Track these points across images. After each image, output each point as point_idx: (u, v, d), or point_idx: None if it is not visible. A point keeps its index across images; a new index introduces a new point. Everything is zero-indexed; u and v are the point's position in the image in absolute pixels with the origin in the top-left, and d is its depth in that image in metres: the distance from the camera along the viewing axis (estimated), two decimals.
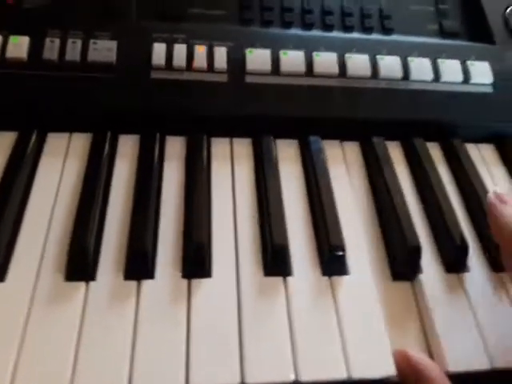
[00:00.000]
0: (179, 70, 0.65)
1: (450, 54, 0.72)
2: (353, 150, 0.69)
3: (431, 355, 0.52)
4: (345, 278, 0.55)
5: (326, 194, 0.60)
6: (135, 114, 0.65)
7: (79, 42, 0.65)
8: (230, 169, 0.64)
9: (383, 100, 0.68)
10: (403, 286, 0.56)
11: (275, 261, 0.54)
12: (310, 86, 0.68)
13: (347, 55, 0.69)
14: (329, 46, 0.70)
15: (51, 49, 0.64)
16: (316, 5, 0.75)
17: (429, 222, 0.62)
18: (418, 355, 0.49)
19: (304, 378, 0.47)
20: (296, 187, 0.63)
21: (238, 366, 0.47)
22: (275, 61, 0.67)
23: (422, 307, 0.54)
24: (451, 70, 0.70)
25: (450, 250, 0.58)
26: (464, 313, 0.54)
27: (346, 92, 0.68)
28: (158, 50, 0.66)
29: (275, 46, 0.69)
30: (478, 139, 0.72)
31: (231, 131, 0.67)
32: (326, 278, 0.55)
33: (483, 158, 0.70)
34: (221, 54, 0.67)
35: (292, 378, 0.47)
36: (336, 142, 0.69)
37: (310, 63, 0.68)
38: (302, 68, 0.68)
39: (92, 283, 0.51)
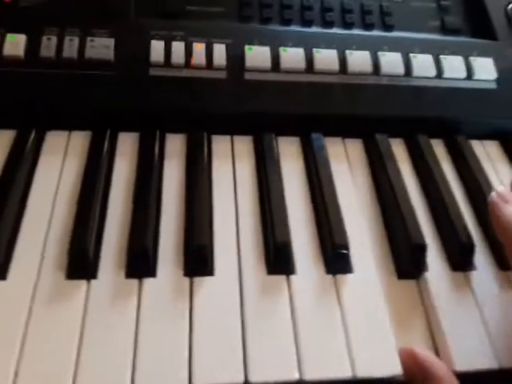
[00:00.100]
0: (178, 67, 0.65)
1: (453, 50, 0.71)
2: (355, 147, 0.68)
3: (437, 354, 0.51)
4: (349, 276, 0.54)
5: (328, 192, 0.59)
6: (134, 111, 0.64)
7: (76, 40, 0.64)
8: (231, 166, 0.63)
9: (385, 96, 0.68)
10: (408, 284, 0.55)
11: (278, 259, 0.54)
12: (311, 82, 0.67)
13: (348, 52, 0.69)
14: (329, 42, 0.69)
15: (48, 46, 0.64)
16: (316, 1, 0.74)
17: (433, 220, 0.61)
18: (425, 353, 0.48)
19: (308, 376, 0.46)
20: (298, 185, 0.62)
21: (242, 364, 0.46)
22: (275, 58, 0.67)
23: (427, 305, 0.54)
24: (454, 66, 0.70)
25: (456, 248, 0.57)
26: (470, 311, 0.53)
27: (346, 89, 0.67)
28: (157, 48, 0.65)
29: (275, 42, 0.68)
30: (482, 136, 0.71)
31: (232, 128, 0.66)
32: (330, 276, 0.54)
33: (488, 154, 0.70)
34: (220, 51, 0.66)
35: (296, 376, 0.46)
36: (338, 140, 0.68)
37: (310, 60, 0.67)
38: (302, 65, 0.67)
39: (93, 281, 0.51)
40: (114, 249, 0.53)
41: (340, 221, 0.57)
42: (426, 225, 0.60)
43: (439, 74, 0.69)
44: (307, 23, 0.73)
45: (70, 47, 0.64)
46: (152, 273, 0.52)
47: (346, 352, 0.48)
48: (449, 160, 0.68)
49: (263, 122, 0.66)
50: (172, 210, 0.58)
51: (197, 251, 0.53)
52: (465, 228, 0.57)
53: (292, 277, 0.53)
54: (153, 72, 0.64)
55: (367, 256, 0.56)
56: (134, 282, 0.51)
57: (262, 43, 0.68)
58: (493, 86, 0.70)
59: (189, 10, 0.72)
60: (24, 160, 0.59)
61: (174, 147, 0.64)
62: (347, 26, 0.74)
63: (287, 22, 0.73)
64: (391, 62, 0.69)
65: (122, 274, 0.52)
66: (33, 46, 0.63)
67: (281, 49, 0.67)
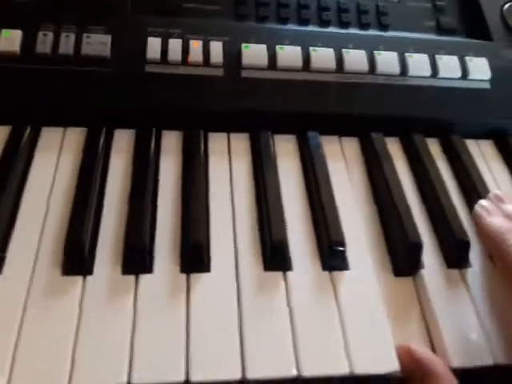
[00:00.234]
0: (175, 64, 0.65)
1: (448, 50, 0.72)
2: (351, 145, 0.68)
3: (433, 350, 0.51)
4: (345, 273, 0.54)
5: (325, 189, 0.59)
6: (130, 108, 0.64)
7: (72, 36, 0.64)
8: (228, 164, 0.63)
9: (381, 96, 0.68)
10: (405, 281, 0.55)
11: (275, 256, 0.54)
12: (307, 81, 0.67)
13: (344, 50, 0.69)
14: (326, 41, 0.69)
15: (44, 42, 0.63)
16: (312, 0, 0.74)
17: (429, 218, 0.61)
18: (422, 349, 0.48)
19: (306, 373, 0.46)
20: (295, 182, 0.62)
21: (239, 360, 0.46)
22: (272, 56, 0.67)
23: (423, 302, 0.54)
24: (449, 65, 0.70)
25: (451, 245, 0.57)
26: (466, 308, 0.53)
27: (343, 87, 0.68)
28: (153, 45, 0.65)
29: (271, 41, 0.68)
30: (476, 135, 0.71)
31: (228, 126, 0.66)
32: (327, 272, 0.54)
33: (482, 153, 0.70)
34: (216, 49, 0.66)
35: (294, 373, 0.46)
36: (335, 138, 0.68)
37: (306, 58, 0.67)
38: (298, 63, 0.67)
39: (89, 277, 0.50)
40: (110, 245, 0.53)
41: (336, 218, 0.57)
42: (421, 223, 0.60)
43: (434, 73, 0.70)
44: (304, 22, 0.73)
45: (66, 43, 0.64)
46: (148, 269, 0.52)
47: (343, 349, 0.48)
48: (444, 159, 0.68)
49: (260, 119, 0.66)
50: (168, 206, 0.57)
51: (193, 248, 0.53)
52: (460, 226, 0.57)
53: (289, 273, 0.53)
54: (149, 69, 0.64)
55: (364, 253, 0.56)
56: (131, 278, 0.51)
57: (258, 41, 0.68)
58: (487, 85, 0.71)
59: (186, 8, 0.72)
60: (19, 156, 0.58)
61: (171, 144, 0.64)
62: (344, 25, 0.74)
63: (284, 21, 0.73)
64: (387, 61, 0.69)
65: (119, 270, 0.51)
66: (28, 42, 0.63)
67: (277, 47, 0.67)
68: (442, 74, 0.70)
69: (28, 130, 0.61)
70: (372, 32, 0.74)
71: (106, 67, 0.64)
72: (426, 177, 0.63)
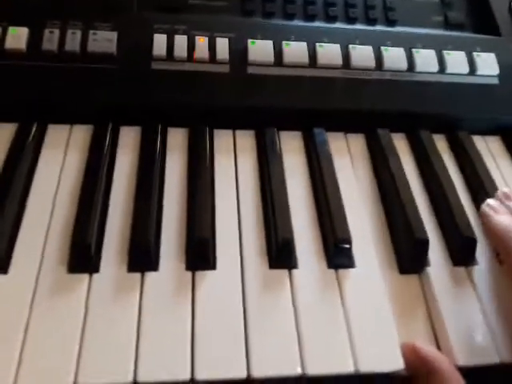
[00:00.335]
0: (180, 60, 0.65)
1: (456, 45, 0.71)
2: (358, 142, 0.68)
3: (439, 348, 0.51)
4: (351, 270, 0.54)
5: (331, 186, 0.59)
6: (136, 105, 0.64)
7: (79, 33, 0.64)
8: (234, 161, 0.63)
9: (388, 92, 0.68)
10: (410, 279, 0.55)
11: (280, 254, 0.54)
12: (314, 77, 0.67)
13: (351, 46, 0.68)
14: (332, 37, 0.69)
15: (50, 40, 0.63)
16: None
17: (435, 215, 0.61)
18: (427, 347, 0.48)
19: (311, 371, 0.46)
20: (300, 179, 0.62)
21: (244, 359, 0.46)
22: (278, 52, 0.67)
23: (429, 300, 0.54)
24: (457, 61, 0.70)
25: (458, 243, 0.57)
26: (472, 306, 0.53)
27: (349, 83, 0.67)
28: (159, 41, 0.65)
29: (278, 37, 0.68)
30: (484, 131, 0.71)
31: (234, 123, 0.66)
32: (332, 270, 0.54)
33: (490, 150, 0.69)
34: (222, 45, 0.66)
35: (299, 371, 0.46)
36: (340, 134, 0.68)
37: (313, 54, 0.67)
38: (305, 59, 0.67)
39: (95, 275, 0.51)
40: (116, 242, 0.53)
41: (342, 215, 0.56)
42: (427, 219, 0.60)
43: (442, 69, 0.69)
44: (310, 18, 0.73)
45: (73, 40, 0.64)
46: (154, 267, 0.52)
47: (348, 347, 0.48)
48: (451, 155, 0.68)
49: (266, 116, 0.66)
50: (174, 204, 0.58)
51: (198, 244, 0.53)
52: (467, 223, 0.57)
53: (294, 271, 0.53)
54: (155, 66, 0.64)
55: (369, 250, 0.56)
56: (136, 275, 0.51)
57: (264, 37, 0.68)
58: (495, 81, 0.70)
59: (192, 4, 0.71)
60: (25, 153, 0.59)
61: (176, 141, 0.64)
62: (350, 20, 0.73)
63: (290, 17, 0.73)
64: (394, 57, 0.69)
65: (124, 267, 0.51)
66: (35, 39, 0.63)
67: (284, 43, 0.67)
68: (449, 69, 0.69)
69: (34, 128, 0.61)
70: (379, 27, 0.74)
71: (112, 64, 0.64)
72: (433, 173, 0.63)
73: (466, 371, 0.48)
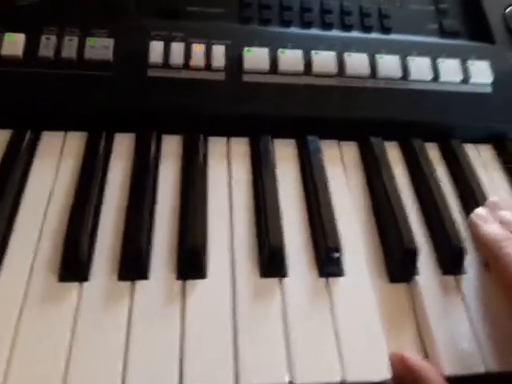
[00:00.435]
0: (176, 68, 0.65)
1: (450, 53, 0.71)
2: (351, 150, 0.68)
3: (427, 357, 0.51)
4: (341, 279, 0.54)
5: (323, 195, 0.60)
6: (131, 112, 0.65)
7: (75, 40, 0.64)
8: (227, 168, 0.63)
9: (382, 100, 0.68)
10: (400, 288, 0.56)
11: (271, 262, 0.54)
12: (308, 85, 0.67)
13: (346, 54, 0.69)
14: (327, 44, 0.69)
15: (47, 46, 0.64)
16: (315, 3, 0.74)
17: (426, 224, 0.61)
18: (414, 357, 0.49)
19: (299, 380, 0.47)
20: (293, 187, 0.62)
21: (233, 367, 0.47)
22: (273, 59, 0.67)
23: (418, 309, 0.54)
24: (451, 69, 0.70)
25: (447, 252, 0.57)
26: (460, 315, 0.54)
27: (344, 91, 0.68)
28: (156, 48, 0.65)
29: (273, 44, 0.68)
30: (476, 139, 0.71)
31: (228, 130, 0.66)
32: (323, 279, 0.54)
33: (482, 158, 0.70)
34: (218, 53, 0.66)
35: (287, 380, 0.47)
36: (334, 142, 0.68)
37: (308, 62, 0.67)
38: (300, 67, 0.67)
39: (85, 284, 0.51)
40: (107, 251, 0.54)
41: (333, 224, 0.57)
42: (418, 228, 0.60)
43: (436, 77, 0.69)
44: (306, 25, 0.73)
45: (69, 47, 0.64)
46: (145, 275, 0.52)
47: (336, 356, 0.49)
48: (443, 164, 0.68)
49: (260, 123, 0.66)
50: (167, 212, 0.58)
51: (189, 252, 0.53)
52: (456, 232, 0.58)
53: (285, 280, 0.53)
54: (151, 73, 0.65)
55: (360, 259, 0.57)
56: (127, 284, 0.51)
57: (261, 44, 0.68)
58: (488, 89, 0.71)
59: (190, 11, 0.72)
60: (19, 160, 0.59)
61: (170, 148, 0.64)
62: (346, 28, 0.74)
63: (286, 24, 0.73)
64: (389, 64, 0.69)
65: (115, 276, 0.52)
66: (31, 46, 0.64)
67: (279, 51, 0.67)
68: (443, 77, 0.69)
69: (28, 135, 0.62)
70: (374, 35, 0.74)
71: (109, 71, 0.64)
72: (424, 182, 0.63)
73: (453, 380, 0.48)
